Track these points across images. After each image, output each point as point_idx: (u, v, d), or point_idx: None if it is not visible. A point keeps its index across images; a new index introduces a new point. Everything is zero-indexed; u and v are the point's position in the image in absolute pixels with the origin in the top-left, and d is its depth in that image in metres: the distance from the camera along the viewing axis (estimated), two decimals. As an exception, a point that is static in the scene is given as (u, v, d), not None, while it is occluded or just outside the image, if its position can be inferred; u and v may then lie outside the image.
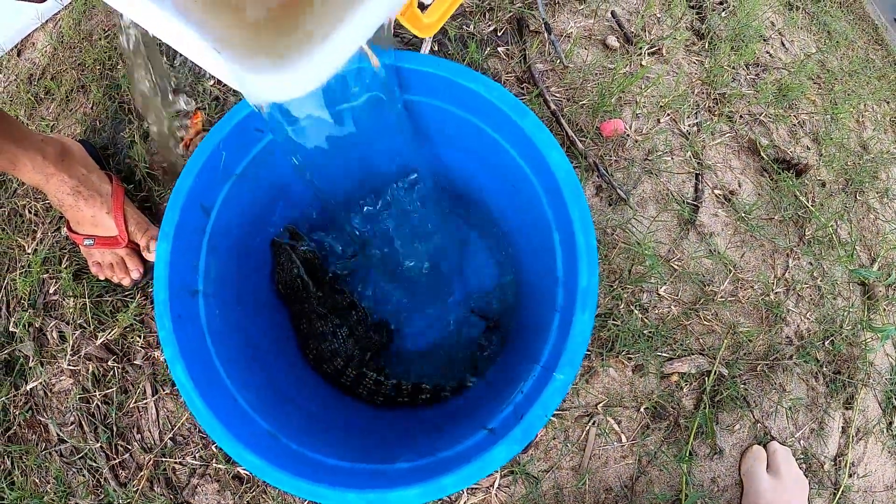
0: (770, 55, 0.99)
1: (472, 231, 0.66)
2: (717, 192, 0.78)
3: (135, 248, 0.72)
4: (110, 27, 0.92)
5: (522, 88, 0.76)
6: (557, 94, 0.76)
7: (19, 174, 0.66)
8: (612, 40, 0.82)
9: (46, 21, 0.98)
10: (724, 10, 0.98)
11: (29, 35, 0.98)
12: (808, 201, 0.85)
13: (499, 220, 0.61)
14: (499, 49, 0.78)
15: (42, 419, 0.76)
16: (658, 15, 0.91)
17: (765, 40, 1.01)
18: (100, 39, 0.91)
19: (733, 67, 0.90)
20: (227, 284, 0.53)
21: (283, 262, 0.60)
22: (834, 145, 0.94)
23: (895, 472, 0.83)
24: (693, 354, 0.70)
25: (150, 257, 0.72)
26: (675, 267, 0.72)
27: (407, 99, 0.50)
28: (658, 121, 0.79)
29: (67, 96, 0.88)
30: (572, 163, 0.73)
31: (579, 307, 0.39)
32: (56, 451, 0.74)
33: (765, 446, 0.72)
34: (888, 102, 1.13)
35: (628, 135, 0.76)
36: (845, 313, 0.81)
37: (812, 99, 0.98)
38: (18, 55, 0.97)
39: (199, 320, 0.48)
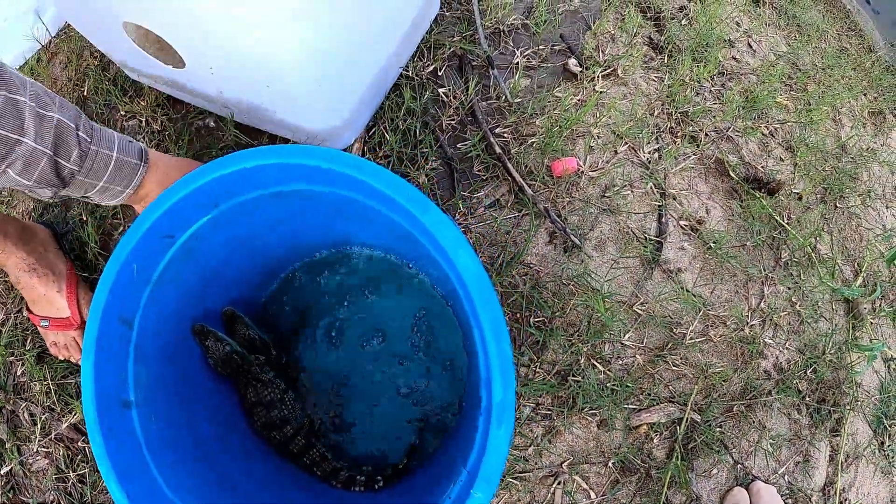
0: (736, 60, 0.94)
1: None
2: (682, 223, 0.74)
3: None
4: (76, 80, 0.89)
5: (466, 132, 0.72)
6: (504, 134, 0.72)
7: None
8: (572, 64, 0.77)
9: (22, 65, 0.94)
10: (683, 17, 0.93)
11: None
12: (783, 219, 0.80)
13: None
14: (439, 91, 0.74)
15: (24, 499, 0.75)
16: (612, 32, 0.85)
17: (731, 44, 0.95)
18: (63, 95, 0.87)
19: (697, 81, 0.85)
20: (162, 385, 0.51)
21: (209, 345, 0.57)
22: (810, 152, 0.89)
23: (889, 491, 0.80)
24: (662, 403, 0.66)
25: None
26: (639, 312, 0.68)
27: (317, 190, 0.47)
28: (615, 151, 0.74)
29: None
30: (521, 210, 0.69)
31: (495, 422, 0.36)
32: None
33: (747, 487, 0.69)
34: (865, 94, 1.07)
35: (582, 171, 0.71)
36: (828, 337, 0.77)
37: (783, 104, 0.92)
38: None
39: (134, 432, 0.46)
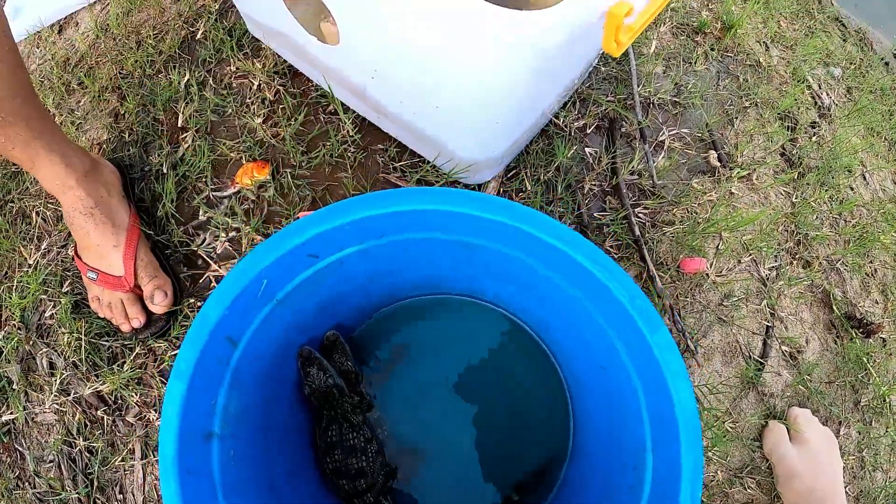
0: (852, 190, 0.93)
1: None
2: (784, 348, 0.72)
3: (139, 294, 0.64)
4: (161, 24, 0.83)
5: (606, 203, 0.69)
6: (642, 216, 0.69)
7: (36, 175, 0.59)
8: (713, 158, 0.75)
9: (94, 2, 0.87)
10: (815, 133, 0.92)
11: (74, 13, 0.87)
12: (869, 363, 0.80)
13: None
14: (586, 150, 0.71)
15: (19, 448, 0.69)
16: (752, 132, 0.84)
17: (850, 172, 0.95)
18: (148, 37, 0.81)
19: (817, 203, 0.84)
20: (249, 417, 0.45)
21: (312, 372, 0.53)
22: (899, 299, 0.89)
23: None
24: (731, 527, 0.65)
25: (154, 308, 0.64)
26: (729, 429, 0.67)
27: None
28: (739, 261, 0.73)
29: (100, 94, 0.79)
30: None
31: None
32: (30, 483, 0.67)
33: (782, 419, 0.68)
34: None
35: (708, 274, 0.69)
36: (882, 489, 0.77)
37: (886, 245, 0.93)
38: (59, 33, 0.87)
39: (212, 473, 0.40)
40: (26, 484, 0.67)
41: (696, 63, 0.87)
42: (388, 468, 0.57)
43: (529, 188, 0.67)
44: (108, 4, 0.86)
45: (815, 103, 0.98)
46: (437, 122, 0.58)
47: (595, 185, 0.70)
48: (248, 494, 0.43)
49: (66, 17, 0.88)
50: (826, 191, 0.86)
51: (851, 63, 1.16)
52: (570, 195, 0.68)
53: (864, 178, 0.98)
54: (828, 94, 1.02)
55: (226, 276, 0.40)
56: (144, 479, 0.66)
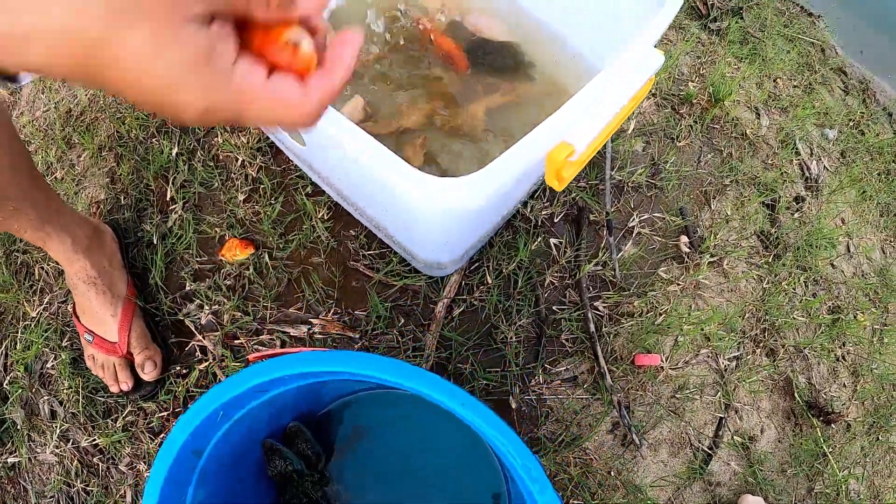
0: (833, 266, 0.93)
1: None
2: (736, 437, 0.75)
3: (130, 360, 0.70)
4: None
5: (566, 296, 0.71)
6: (601, 309, 0.71)
7: (46, 250, 0.65)
8: (683, 244, 0.77)
9: None
10: (798, 209, 0.91)
11: None
12: (828, 448, 0.81)
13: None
14: (551, 241, 0.73)
15: (22, 482, 0.77)
16: (729, 213, 0.84)
17: (832, 246, 0.94)
18: None
19: (792, 286, 0.85)
20: (218, 501, 0.52)
21: (275, 461, 0.59)
22: (873, 380, 0.89)
23: None
24: None
25: (144, 376, 0.70)
26: (673, 518, 0.70)
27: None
28: (697, 353, 0.74)
29: (99, 152, 0.84)
30: (595, 394, 0.69)
31: None
32: None
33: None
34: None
35: (662, 367, 0.72)
36: (829, 572, 0.80)
37: (863, 322, 0.92)
38: (63, 81, 0.92)
39: None
40: (28, 515, 0.74)
41: (678, 138, 0.87)
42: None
43: (490, 282, 0.70)
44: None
45: (803, 174, 0.97)
46: (395, 226, 0.61)
47: (557, 277, 0.72)
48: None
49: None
50: (803, 272, 0.86)
51: (850, 119, 1.13)
52: (530, 289, 0.70)
53: (849, 251, 0.98)
54: (818, 161, 1.00)
55: (189, 408, 0.45)
56: (129, 523, 0.73)
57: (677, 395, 0.72)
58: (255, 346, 0.72)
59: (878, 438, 0.90)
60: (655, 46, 0.50)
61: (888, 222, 1.09)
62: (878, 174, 1.10)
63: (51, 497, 0.75)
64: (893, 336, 0.94)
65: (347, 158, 0.44)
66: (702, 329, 0.75)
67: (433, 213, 0.46)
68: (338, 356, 0.43)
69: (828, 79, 1.20)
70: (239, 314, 0.72)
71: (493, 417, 0.40)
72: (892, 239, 1.08)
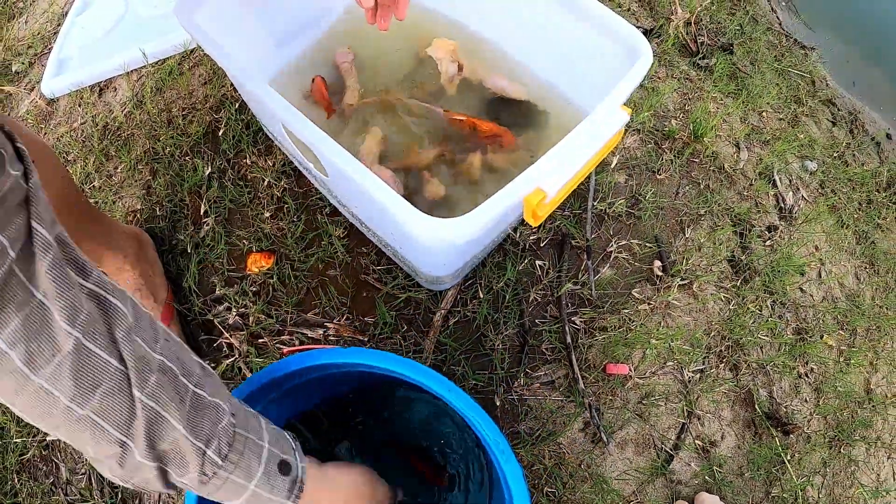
0: (802, 291, 1.01)
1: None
2: (697, 441, 0.84)
3: None
4: (189, 106, 0.99)
5: (547, 311, 0.82)
6: (579, 324, 0.82)
7: (101, 266, 0.75)
8: (657, 268, 0.86)
9: (131, 71, 1.04)
10: (769, 237, 1.00)
11: (112, 78, 1.04)
12: (787, 456, 0.90)
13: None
14: (537, 263, 0.84)
15: (56, 460, 0.84)
16: (701, 241, 0.93)
17: (802, 273, 1.02)
18: (178, 117, 0.98)
19: (758, 307, 0.93)
20: None
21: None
22: (836, 397, 0.97)
23: None
24: (626, 591, 0.78)
25: None
26: (635, 509, 0.79)
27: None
28: (663, 364, 0.84)
29: (135, 165, 0.96)
30: (569, 397, 0.80)
31: None
32: (62, 490, 0.82)
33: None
34: (911, 344, 1.14)
35: (630, 376, 0.81)
36: (783, 568, 0.88)
37: (829, 344, 1.00)
38: (99, 96, 1.04)
39: None
40: (59, 490, 0.82)
41: (659, 171, 0.97)
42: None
43: (482, 296, 0.81)
44: (143, 74, 1.03)
45: (777, 205, 1.05)
46: (401, 245, 0.73)
47: (540, 294, 0.82)
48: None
49: (105, 81, 1.03)
50: (770, 295, 0.95)
51: (835, 150, 1.20)
52: (516, 304, 0.81)
53: (820, 276, 1.05)
54: (794, 193, 1.08)
55: (245, 380, 0.56)
56: (160, 497, 0.85)
57: (643, 402, 0.82)
58: (277, 345, 0.84)
59: (839, 451, 0.98)
60: (626, 103, 0.60)
61: (865, 250, 1.16)
62: (859, 203, 1.18)
63: (82, 473, 0.84)
64: (859, 357, 1.02)
65: (365, 193, 0.56)
66: (668, 344, 0.85)
67: (431, 242, 0.57)
68: (360, 352, 0.54)
69: (815, 111, 1.27)
70: (263, 316, 0.84)
71: (472, 403, 0.51)
72: (867, 266, 1.16)
